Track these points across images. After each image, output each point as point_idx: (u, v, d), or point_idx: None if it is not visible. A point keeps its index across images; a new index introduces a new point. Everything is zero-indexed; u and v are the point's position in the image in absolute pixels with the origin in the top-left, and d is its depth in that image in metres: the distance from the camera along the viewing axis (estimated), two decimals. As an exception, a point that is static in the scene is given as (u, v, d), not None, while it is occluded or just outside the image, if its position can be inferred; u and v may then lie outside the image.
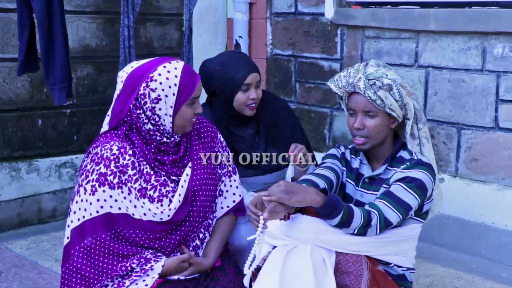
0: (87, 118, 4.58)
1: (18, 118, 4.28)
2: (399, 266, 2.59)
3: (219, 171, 2.82)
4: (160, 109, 2.57)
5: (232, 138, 3.19)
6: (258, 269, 2.45)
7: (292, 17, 4.72)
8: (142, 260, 2.56)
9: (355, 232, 2.41)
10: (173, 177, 2.66)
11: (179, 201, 2.62)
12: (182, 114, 2.60)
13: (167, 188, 2.62)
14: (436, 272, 3.63)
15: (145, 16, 4.71)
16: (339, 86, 2.67)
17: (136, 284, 2.52)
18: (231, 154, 2.91)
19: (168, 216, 2.59)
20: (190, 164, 2.69)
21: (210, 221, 2.78)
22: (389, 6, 4.24)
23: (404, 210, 2.47)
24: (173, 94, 2.56)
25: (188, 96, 2.59)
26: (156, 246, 2.62)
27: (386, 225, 2.44)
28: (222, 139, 2.90)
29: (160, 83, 2.56)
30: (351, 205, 2.45)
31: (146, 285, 2.52)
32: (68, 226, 2.59)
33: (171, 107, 2.57)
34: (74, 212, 2.56)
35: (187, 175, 2.66)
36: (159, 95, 2.55)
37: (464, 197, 3.85)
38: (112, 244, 2.53)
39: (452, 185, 3.88)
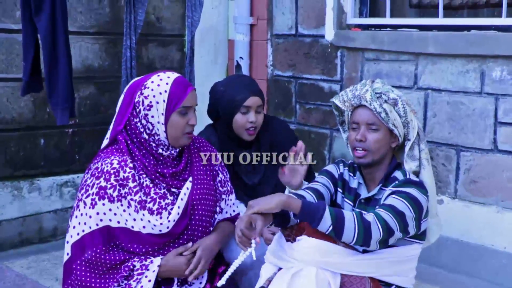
0: (89, 138, 4.60)
1: (20, 138, 4.31)
2: (399, 287, 2.61)
3: (220, 189, 2.85)
4: (152, 116, 2.62)
5: (233, 160, 3.21)
6: (263, 291, 2.48)
7: (293, 38, 4.77)
8: (142, 256, 2.58)
9: (357, 234, 2.36)
10: (173, 189, 2.68)
11: (178, 213, 2.65)
12: (173, 123, 2.63)
13: (166, 201, 2.65)
14: (435, 293, 3.64)
15: (147, 37, 4.76)
16: (344, 100, 2.69)
17: (140, 283, 2.53)
18: (228, 176, 2.95)
19: (167, 228, 2.62)
20: (190, 179, 2.72)
21: None
22: (388, 29, 4.28)
23: (398, 216, 2.43)
24: (163, 101, 2.61)
25: (178, 103, 2.63)
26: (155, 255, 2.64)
27: (386, 225, 2.40)
28: (221, 159, 2.94)
29: (152, 89, 2.62)
30: (338, 209, 2.43)
31: (150, 280, 2.53)
32: (68, 242, 2.62)
33: (162, 114, 2.62)
34: (74, 227, 2.59)
35: (187, 188, 2.69)
36: (150, 102, 2.61)
37: (463, 218, 3.86)
38: (111, 254, 2.55)
39: (451, 206, 3.90)
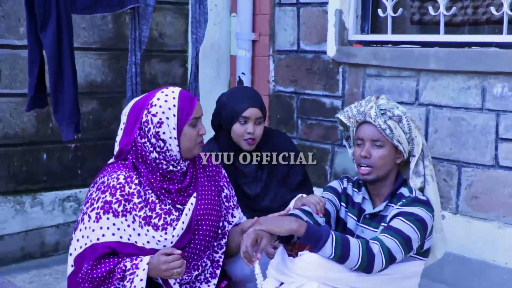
0: (91, 153, 4.62)
1: (23, 152, 4.32)
2: (401, 304, 2.61)
3: (225, 204, 2.85)
4: (164, 132, 2.62)
5: (235, 172, 3.23)
6: (264, 304, 2.48)
7: (295, 54, 4.79)
8: (133, 256, 2.57)
9: (360, 264, 2.39)
10: (178, 206, 2.69)
11: (182, 229, 2.65)
12: (186, 135, 2.65)
13: (172, 217, 2.66)
14: (437, 309, 3.63)
15: (149, 52, 4.78)
16: (349, 116, 2.70)
17: (133, 283, 2.52)
18: (233, 191, 2.96)
19: (171, 243, 2.63)
20: (195, 194, 2.73)
21: (217, 256, 2.78)
22: (390, 45, 4.31)
23: (404, 242, 2.46)
24: (174, 116, 2.63)
25: (189, 115, 2.65)
26: None
27: (390, 256, 2.43)
28: (226, 174, 2.94)
29: (160, 106, 2.63)
30: (345, 235, 2.45)
31: (141, 279, 2.51)
32: (71, 254, 2.62)
33: (174, 129, 2.62)
34: (78, 240, 2.59)
35: (191, 204, 2.70)
36: (160, 119, 2.62)
37: (464, 234, 3.86)
38: (103, 263, 2.54)
39: (453, 222, 3.90)
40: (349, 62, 4.42)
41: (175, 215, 2.67)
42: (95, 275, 2.54)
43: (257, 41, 5.07)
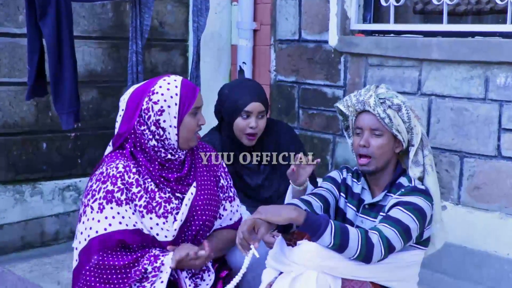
0: (91, 142, 4.60)
1: (23, 142, 4.30)
2: (402, 293, 2.60)
3: (221, 195, 2.84)
4: (164, 121, 2.60)
5: (237, 163, 3.21)
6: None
7: (296, 44, 4.77)
8: (151, 258, 2.55)
9: (358, 253, 2.38)
10: (178, 194, 2.67)
11: (181, 220, 2.64)
12: (186, 124, 2.63)
13: (172, 205, 2.64)
14: (438, 300, 3.63)
15: (150, 42, 4.75)
16: (348, 105, 2.69)
17: (154, 286, 2.51)
18: (231, 182, 2.94)
19: (173, 236, 2.61)
20: (195, 184, 2.72)
21: None
22: (392, 35, 4.28)
23: (403, 231, 2.45)
24: (175, 104, 2.61)
25: (190, 105, 2.63)
26: None
27: (389, 246, 2.42)
28: (224, 164, 2.93)
29: (162, 94, 2.60)
30: (345, 224, 2.44)
31: (162, 282, 2.51)
32: (76, 248, 2.60)
33: (174, 117, 2.60)
34: (81, 233, 2.57)
35: (191, 194, 2.68)
36: (162, 107, 2.59)
37: (466, 225, 3.85)
38: (117, 257, 2.52)
39: (454, 213, 3.89)
40: (351, 51, 4.40)
41: (175, 203, 2.65)
42: (107, 266, 2.51)
43: (258, 31, 5.04)
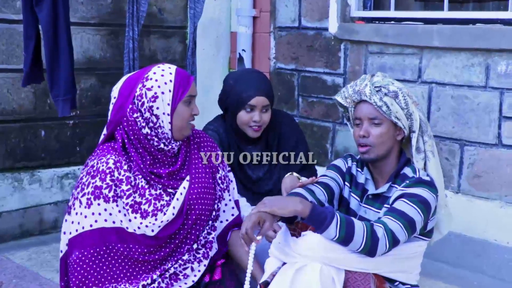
0: (90, 130, 4.58)
1: (21, 129, 4.28)
2: (403, 284, 2.59)
3: (220, 186, 2.81)
4: (157, 108, 2.57)
5: (240, 153, 3.19)
6: (266, 284, 2.45)
7: (296, 31, 4.74)
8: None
9: (363, 247, 2.37)
10: (170, 190, 2.65)
11: (173, 214, 2.61)
12: (179, 113, 2.60)
13: (162, 202, 2.61)
14: (438, 288, 3.62)
15: (148, 28, 4.73)
16: (345, 96, 2.68)
17: None
18: (228, 169, 2.91)
19: (159, 227, 2.58)
20: (188, 178, 2.68)
21: (210, 238, 2.74)
22: (393, 22, 4.25)
23: (408, 224, 2.44)
24: (169, 91, 2.58)
25: (184, 92, 2.60)
26: (149, 259, 2.60)
27: (393, 239, 2.41)
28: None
29: (156, 80, 2.58)
30: (350, 217, 2.43)
31: None
32: (64, 233, 2.61)
33: (168, 104, 2.57)
34: (72, 222, 2.56)
35: (184, 188, 2.65)
36: (155, 93, 2.56)
37: (466, 213, 3.84)
38: (96, 261, 2.53)
39: (455, 201, 3.88)
40: (351, 39, 4.37)
41: (166, 200, 2.62)
42: (102, 269, 2.54)
43: (257, 18, 5.01)
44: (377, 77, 2.66)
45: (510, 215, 3.69)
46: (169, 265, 2.63)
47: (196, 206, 2.66)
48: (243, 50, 5.01)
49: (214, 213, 2.76)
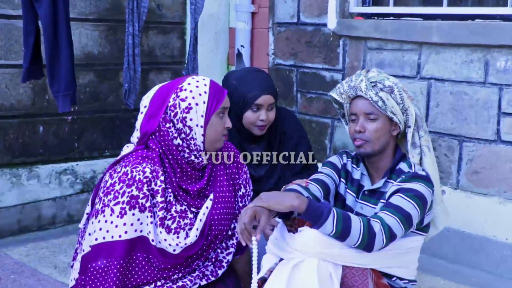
0: (88, 125, 4.57)
1: (19, 125, 4.27)
2: (401, 279, 2.60)
3: (239, 204, 2.78)
4: (191, 119, 2.54)
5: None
6: (263, 280, 2.45)
7: (295, 27, 4.73)
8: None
9: (360, 242, 2.37)
10: (193, 209, 2.62)
11: (196, 236, 2.58)
12: (213, 125, 2.57)
13: (186, 221, 2.58)
14: (436, 284, 3.62)
15: (147, 24, 4.71)
16: (341, 92, 2.69)
17: None
18: (250, 189, 2.88)
19: (182, 248, 2.55)
20: (211, 196, 2.65)
21: (221, 256, 2.72)
22: (391, 18, 4.25)
23: (404, 219, 2.44)
24: (204, 103, 2.55)
25: (219, 104, 2.57)
26: (164, 275, 2.58)
27: (390, 234, 2.41)
28: (247, 170, 2.86)
29: (190, 91, 2.55)
30: (347, 212, 2.42)
31: None
32: (90, 234, 2.55)
33: (202, 116, 2.54)
34: (94, 231, 2.51)
35: (206, 207, 2.62)
36: (189, 104, 2.53)
37: (465, 209, 3.84)
38: (117, 273, 2.48)
39: (453, 197, 3.88)
40: (350, 35, 4.37)
41: (189, 218, 2.60)
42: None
43: (256, 13, 5.00)
44: (372, 72, 2.67)
45: (508, 211, 3.69)
46: (175, 276, 2.61)
47: (215, 227, 2.64)
48: (241, 46, 5.00)
49: (229, 232, 2.73)
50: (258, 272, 2.43)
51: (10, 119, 4.23)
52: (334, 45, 4.48)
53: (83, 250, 2.56)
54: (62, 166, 4.46)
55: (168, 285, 2.58)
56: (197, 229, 2.58)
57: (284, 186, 2.80)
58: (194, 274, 2.64)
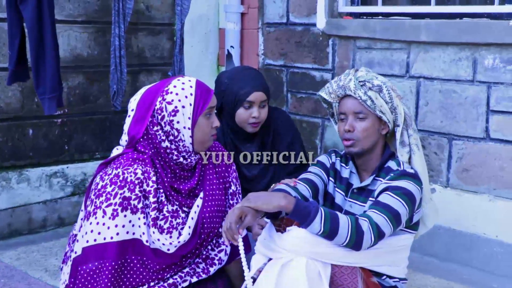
0: (78, 128, 4.56)
1: (8, 128, 4.26)
2: (391, 278, 2.59)
3: (230, 202, 2.78)
4: (178, 122, 2.53)
5: (236, 152, 3.18)
6: (253, 280, 2.45)
7: (284, 27, 4.73)
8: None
9: (348, 241, 2.36)
10: (185, 208, 2.62)
11: (189, 234, 2.58)
12: (200, 126, 2.57)
13: (178, 220, 2.58)
14: (427, 282, 3.62)
15: (136, 26, 4.71)
16: (330, 92, 2.69)
17: None
18: (240, 188, 2.88)
19: (175, 246, 2.56)
20: (201, 195, 2.65)
21: (212, 254, 2.72)
22: (380, 17, 4.26)
23: (393, 217, 2.44)
24: (190, 105, 2.54)
25: (205, 105, 2.57)
26: (159, 276, 2.57)
27: (379, 232, 2.41)
28: (235, 169, 2.86)
29: (176, 94, 2.53)
30: (335, 211, 2.42)
31: None
32: (78, 240, 2.54)
33: (189, 118, 2.54)
34: (86, 233, 2.50)
35: (197, 206, 2.62)
36: (176, 107, 2.52)
37: (455, 207, 3.85)
38: (109, 275, 2.47)
39: (443, 195, 3.88)
40: (339, 34, 4.37)
41: (181, 218, 2.60)
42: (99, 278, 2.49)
43: (246, 14, 5.00)
44: (361, 71, 2.67)
45: (498, 208, 3.70)
46: (168, 275, 2.61)
47: (207, 225, 2.64)
48: (231, 46, 5.00)
49: (220, 229, 2.73)
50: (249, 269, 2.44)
51: (-1, 122, 4.22)
52: (324, 45, 4.48)
53: (76, 253, 2.55)
54: (52, 169, 4.44)
55: (159, 284, 2.57)
56: (189, 227, 2.58)
57: (272, 186, 2.80)
58: (185, 271, 2.64)
